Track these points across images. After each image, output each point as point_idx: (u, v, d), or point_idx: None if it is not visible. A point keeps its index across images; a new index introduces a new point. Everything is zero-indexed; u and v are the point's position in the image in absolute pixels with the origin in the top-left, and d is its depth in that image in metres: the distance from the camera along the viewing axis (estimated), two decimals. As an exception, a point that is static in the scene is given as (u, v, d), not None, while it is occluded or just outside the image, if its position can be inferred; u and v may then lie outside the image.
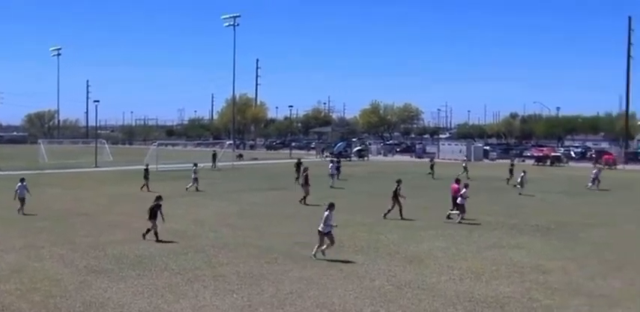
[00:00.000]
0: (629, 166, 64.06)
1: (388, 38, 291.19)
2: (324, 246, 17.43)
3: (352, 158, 74.29)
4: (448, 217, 24.98)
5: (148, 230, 19.88)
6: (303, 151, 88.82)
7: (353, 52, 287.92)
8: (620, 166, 62.82)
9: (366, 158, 74.70)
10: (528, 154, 79.61)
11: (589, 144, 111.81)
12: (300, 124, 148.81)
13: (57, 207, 28.33)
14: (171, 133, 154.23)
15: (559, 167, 63.82)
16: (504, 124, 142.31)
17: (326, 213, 17.50)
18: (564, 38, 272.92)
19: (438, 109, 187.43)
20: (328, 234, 17.32)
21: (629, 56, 75.42)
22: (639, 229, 23.76)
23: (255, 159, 71.21)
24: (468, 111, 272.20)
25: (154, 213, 19.93)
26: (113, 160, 62.47)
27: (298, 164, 40.98)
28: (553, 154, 75.04)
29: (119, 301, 13.25)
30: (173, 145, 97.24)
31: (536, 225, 23.83)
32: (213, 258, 17.55)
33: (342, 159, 55.93)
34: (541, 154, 74.97)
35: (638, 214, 27.81)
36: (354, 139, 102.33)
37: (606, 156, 68.67)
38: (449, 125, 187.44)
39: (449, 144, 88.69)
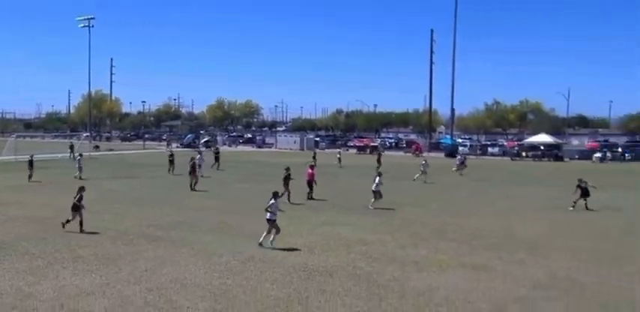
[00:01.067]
0: (433, 154, 68.01)
1: (233, 42, 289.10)
2: (271, 235, 16.04)
3: (201, 149, 73.31)
4: (309, 198, 25.65)
5: (68, 221, 18.01)
6: (155, 142, 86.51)
7: (200, 54, 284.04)
8: (425, 154, 66.46)
9: (212, 148, 73.74)
10: (352, 144, 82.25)
11: (401, 135, 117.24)
12: (152, 118, 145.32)
13: None
14: (29, 126, 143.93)
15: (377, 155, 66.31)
16: (331, 118, 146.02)
17: (271, 201, 16.11)
18: (379, 47, 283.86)
19: (276, 105, 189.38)
20: (274, 222, 16.00)
21: (431, 63, 79.50)
22: (441, 207, 25.24)
23: (111, 150, 68.15)
24: (301, 107, 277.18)
25: (76, 205, 18.09)
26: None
27: (171, 155, 39.70)
28: (372, 144, 78.10)
29: (-20, 285, 12.27)
30: (31, 137, 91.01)
31: (362, 205, 24.58)
32: (73, 241, 16.65)
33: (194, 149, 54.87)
34: (362, 144, 77.85)
35: (440, 195, 29.55)
36: (202, 132, 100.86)
37: (415, 145, 72.54)
38: (285, 119, 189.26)
39: (285, 136, 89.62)
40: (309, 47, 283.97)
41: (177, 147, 75.23)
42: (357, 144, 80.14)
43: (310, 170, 26.51)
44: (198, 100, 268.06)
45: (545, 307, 11.31)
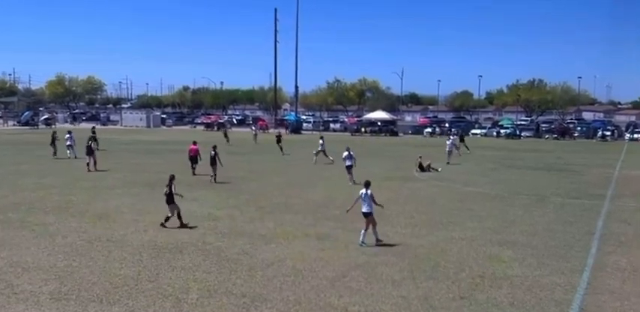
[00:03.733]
0: (278, 130, 68.63)
1: (74, 15, 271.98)
2: (371, 229, 13.96)
3: (40, 126, 68.86)
4: (194, 174, 25.74)
5: (168, 218, 15.61)
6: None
7: (38, 29, 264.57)
8: (271, 130, 66.97)
9: (53, 126, 69.58)
10: (199, 121, 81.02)
11: (247, 112, 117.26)
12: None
13: None
14: None
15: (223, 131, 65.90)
16: (178, 95, 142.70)
17: (369, 192, 13.83)
18: (224, 24, 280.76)
19: (120, 82, 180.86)
20: (371, 215, 13.90)
21: (275, 41, 79.73)
22: (284, 180, 25.59)
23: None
24: (147, 84, 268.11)
25: (170, 198, 15.62)
26: None
27: (54, 134, 34.72)
28: (219, 121, 77.48)
29: None
30: None
31: (209, 181, 24.30)
32: None
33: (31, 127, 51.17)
34: (209, 121, 76.92)
35: (284, 168, 29.91)
36: (41, 109, 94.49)
37: (261, 122, 72.78)
38: (130, 96, 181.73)
39: (131, 113, 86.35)
40: (154, 23, 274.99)
41: (14, 125, 70.22)
42: (205, 121, 79.08)
43: (194, 146, 26.82)
44: (36, 76, 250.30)
45: (383, 271, 11.89)
